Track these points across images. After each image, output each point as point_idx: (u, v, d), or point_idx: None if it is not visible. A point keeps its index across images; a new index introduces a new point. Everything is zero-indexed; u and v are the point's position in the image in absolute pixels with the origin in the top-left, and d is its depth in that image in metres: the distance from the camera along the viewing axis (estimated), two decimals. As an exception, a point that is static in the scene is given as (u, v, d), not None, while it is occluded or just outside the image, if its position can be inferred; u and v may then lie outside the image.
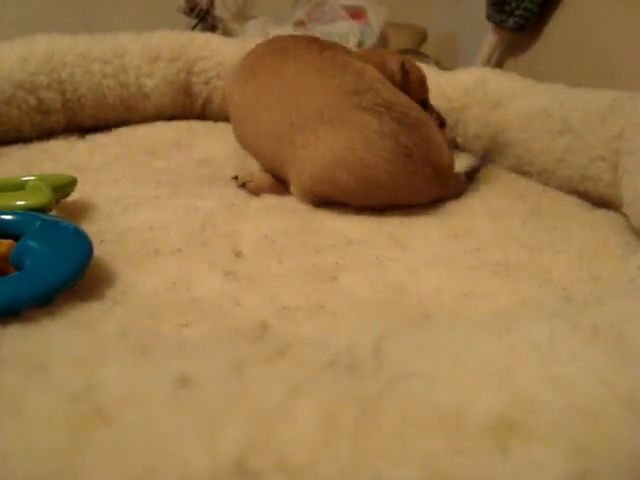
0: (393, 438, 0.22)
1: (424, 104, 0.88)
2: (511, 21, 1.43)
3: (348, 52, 0.86)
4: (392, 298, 0.56)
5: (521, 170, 0.93)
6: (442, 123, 0.92)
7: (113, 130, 1.05)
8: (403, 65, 0.87)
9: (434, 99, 0.95)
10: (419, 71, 0.91)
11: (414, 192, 0.75)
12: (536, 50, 1.42)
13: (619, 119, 0.78)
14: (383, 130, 0.72)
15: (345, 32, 1.49)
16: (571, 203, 0.83)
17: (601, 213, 0.80)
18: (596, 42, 1.20)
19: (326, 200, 0.76)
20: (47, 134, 0.99)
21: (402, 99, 0.77)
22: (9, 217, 0.60)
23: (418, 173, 0.74)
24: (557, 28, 1.35)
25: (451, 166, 0.80)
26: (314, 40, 0.83)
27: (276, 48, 0.83)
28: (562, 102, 0.87)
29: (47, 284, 0.51)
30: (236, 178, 0.83)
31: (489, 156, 0.99)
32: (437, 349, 0.28)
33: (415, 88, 0.88)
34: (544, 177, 0.88)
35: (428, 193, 0.77)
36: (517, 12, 1.41)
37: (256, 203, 0.76)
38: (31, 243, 0.55)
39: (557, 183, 0.87)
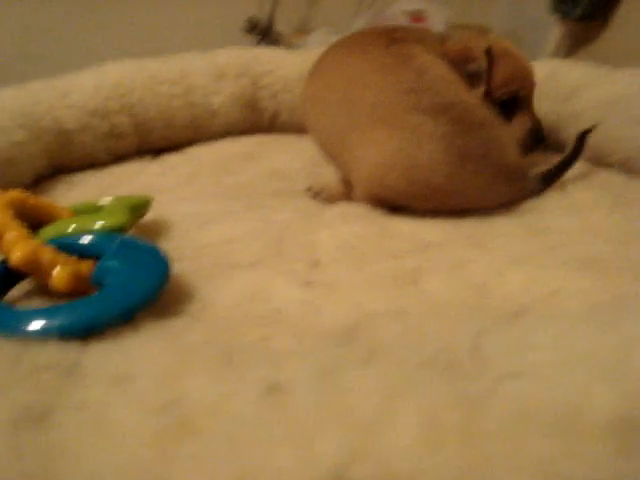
0: (504, 442, 0.20)
1: (518, 101, 0.83)
2: (578, 10, 1.38)
3: (427, 42, 0.80)
4: (477, 300, 0.54)
5: (602, 161, 0.89)
6: (538, 136, 0.86)
7: (184, 149, 1.06)
8: (489, 52, 0.80)
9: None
10: (514, 59, 0.83)
11: (478, 195, 0.72)
12: (608, 38, 1.36)
13: None
14: (437, 132, 0.68)
15: (406, 37, 1.47)
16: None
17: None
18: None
19: (387, 203, 0.73)
20: (120, 158, 1.01)
21: (467, 97, 0.73)
22: (88, 239, 0.61)
23: (479, 175, 0.70)
24: (629, 11, 1.29)
25: (520, 167, 0.76)
26: (385, 32, 0.79)
27: (345, 42, 0.81)
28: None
29: (127, 302, 0.51)
30: (309, 189, 0.82)
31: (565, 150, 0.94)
32: (540, 345, 0.26)
33: (502, 78, 0.81)
34: (627, 166, 0.84)
35: (495, 196, 0.73)
36: (584, 0, 1.36)
37: (330, 212, 0.75)
38: (110, 263, 0.56)
39: (642, 172, 0.82)
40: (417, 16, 1.53)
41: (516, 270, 0.60)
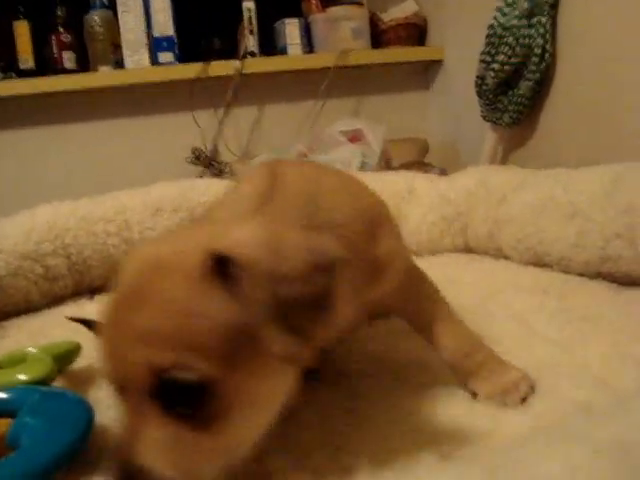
0: None
1: None
2: (506, 117, 1.45)
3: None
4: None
5: (540, 262, 0.89)
6: None
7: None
8: None
9: (439, 207, 0.93)
10: None
11: None
12: (537, 138, 1.42)
13: (625, 192, 0.75)
14: None
15: (347, 157, 1.51)
16: (597, 287, 0.78)
17: (629, 292, 0.74)
18: (591, 119, 1.20)
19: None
20: (56, 300, 0.98)
21: None
22: (5, 395, 0.58)
23: None
24: (553, 113, 1.35)
25: None
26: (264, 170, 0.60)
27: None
28: (565, 186, 0.85)
29: (42, 463, 0.48)
30: None
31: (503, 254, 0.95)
32: None
33: None
34: (563, 265, 0.84)
35: None
36: (510, 107, 1.43)
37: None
38: (27, 419, 0.53)
39: (578, 269, 0.82)
40: (354, 135, 1.57)
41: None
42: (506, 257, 0.95)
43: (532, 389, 0.56)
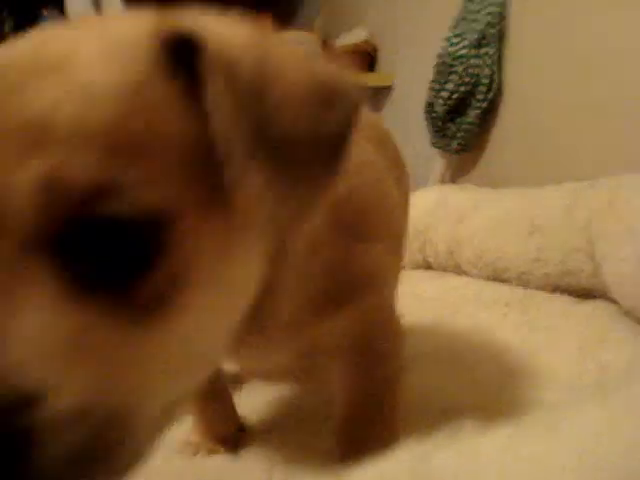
0: None
1: None
2: (454, 144, 1.49)
3: None
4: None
5: (500, 278, 0.92)
6: None
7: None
8: None
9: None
10: None
11: None
12: (484, 164, 1.46)
13: (584, 208, 0.79)
14: None
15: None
16: (557, 300, 0.81)
17: (589, 304, 0.78)
18: (536, 144, 1.25)
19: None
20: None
21: None
22: None
23: None
24: (500, 139, 1.40)
25: None
26: None
27: None
28: (524, 204, 0.88)
29: None
30: None
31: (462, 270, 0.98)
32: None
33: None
34: (523, 279, 0.87)
35: None
36: (459, 134, 1.47)
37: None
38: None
39: (537, 283, 0.86)
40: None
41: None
42: (465, 273, 0.98)
43: None
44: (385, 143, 0.55)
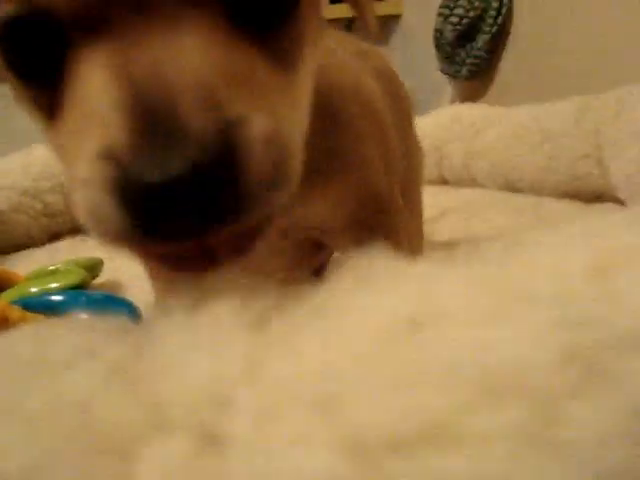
0: None
1: None
2: (464, 70, 1.51)
3: None
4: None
5: (513, 188, 0.98)
6: None
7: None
8: None
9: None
10: None
11: None
12: (494, 90, 1.49)
13: (591, 118, 0.84)
14: None
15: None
16: (567, 205, 0.87)
17: (598, 206, 0.84)
18: (550, 66, 1.28)
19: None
20: (55, 236, 1.02)
21: None
22: (53, 297, 0.62)
23: None
24: (510, 65, 1.43)
25: None
26: None
27: None
28: (536, 117, 0.94)
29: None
30: None
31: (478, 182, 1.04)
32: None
33: None
34: (536, 188, 0.93)
35: None
36: (468, 61, 1.49)
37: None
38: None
39: (548, 191, 0.92)
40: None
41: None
42: (481, 186, 1.04)
43: None
44: (389, 78, 0.57)
